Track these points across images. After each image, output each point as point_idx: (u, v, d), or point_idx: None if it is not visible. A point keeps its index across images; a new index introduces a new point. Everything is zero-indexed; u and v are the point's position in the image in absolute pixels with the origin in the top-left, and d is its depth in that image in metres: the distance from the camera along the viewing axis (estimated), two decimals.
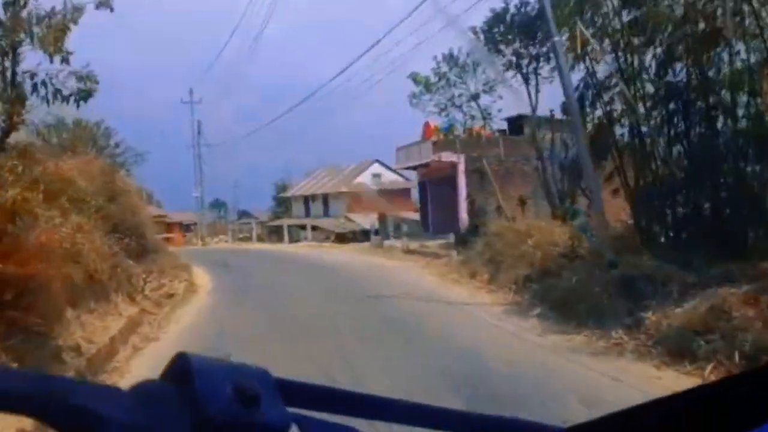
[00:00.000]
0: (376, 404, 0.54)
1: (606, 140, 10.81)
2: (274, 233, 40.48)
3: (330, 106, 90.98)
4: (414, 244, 22.20)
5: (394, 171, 39.04)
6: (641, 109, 10.14)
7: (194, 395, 0.44)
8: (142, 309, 9.86)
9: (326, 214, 41.15)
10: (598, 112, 11.24)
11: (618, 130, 11.04)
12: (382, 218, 29.91)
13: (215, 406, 0.44)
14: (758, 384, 0.44)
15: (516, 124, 24.47)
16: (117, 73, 60.99)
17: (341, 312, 10.02)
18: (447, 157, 24.17)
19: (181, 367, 0.47)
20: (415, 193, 34.93)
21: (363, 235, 30.65)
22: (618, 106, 10.82)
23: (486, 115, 24.15)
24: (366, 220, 32.32)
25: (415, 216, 31.17)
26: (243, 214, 53.95)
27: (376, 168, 42.82)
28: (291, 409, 0.49)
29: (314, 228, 36.64)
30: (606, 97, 10.89)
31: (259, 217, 48.27)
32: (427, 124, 26.39)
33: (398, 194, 38.83)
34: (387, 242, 25.35)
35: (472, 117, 24.36)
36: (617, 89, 10.52)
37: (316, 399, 0.52)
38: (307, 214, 43.73)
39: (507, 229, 14.44)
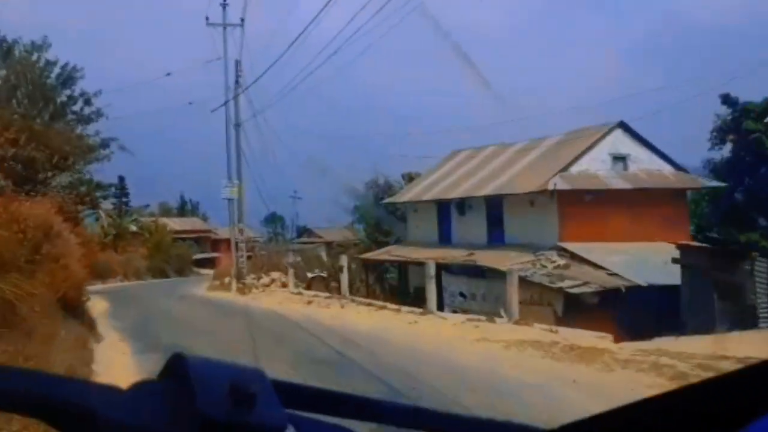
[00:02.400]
0: (372, 406, 0.55)
1: None
2: (376, 277, 24.18)
3: None
4: None
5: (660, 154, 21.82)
6: None
7: (191, 395, 0.45)
8: None
9: (496, 238, 21.70)
10: None
11: None
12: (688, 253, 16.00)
13: (212, 406, 0.45)
14: (746, 383, 0.44)
15: None
16: None
17: None
18: None
19: (178, 367, 0.48)
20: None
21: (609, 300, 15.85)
22: None
23: None
24: (617, 259, 17.60)
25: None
26: (304, 231, 33.12)
27: (617, 140, 21.60)
28: (288, 410, 0.50)
29: (478, 272, 19.49)
30: None
31: (324, 237, 33.57)
32: None
33: (667, 200, 20.85)
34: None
35: None
36: None
37: (313, 400, 0.53)
38: (445, 236, 23.24)
39: None
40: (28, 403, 0.44)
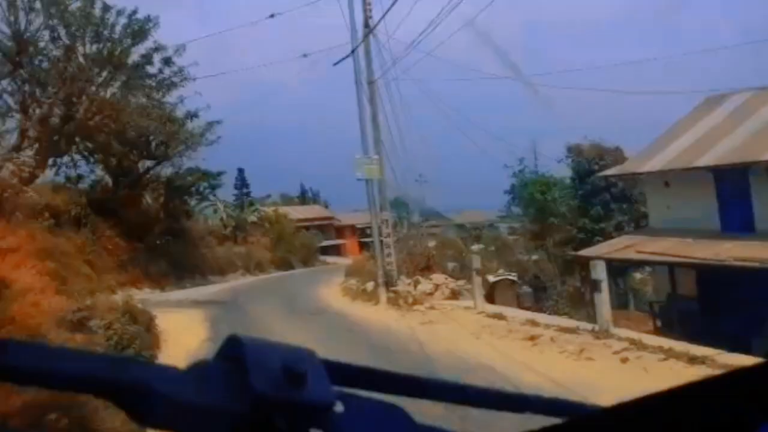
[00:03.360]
0: (419, 383, 0.57)
1: None
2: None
3: None
4: None
5: None
6: None
7: (245, 373, 0.48)
8: None
9: None
10: None
11: None
12: None
13: (265, 384, 0.47)
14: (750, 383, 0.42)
15: None
16: None
17: None
18: None
19: (233, 348, 0.50)
20: None
21: None
22: None
23: None
24: None
25: None
26: (431, 215, 30.82)
27: None
28: (336, 388, 0.52)
29: None
30: None
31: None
32: None
33: None
34: None
35: None
36: None
37: (361, 378, 0.55)
38: (735, 221, 14.84)
39: None
40: (94, 384, 0.46)
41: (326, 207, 55.30)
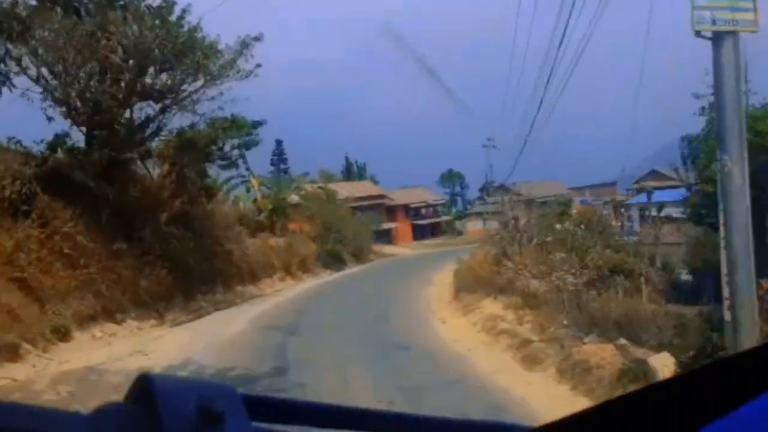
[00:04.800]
0: (346, 415, 0.54)
1: None
2: None
3: None
4: None
5: None
6: None
7: (157, 417, 0.44)
8: None
9: None
10: None
11: None
12: None
13: (178, 427, 0.44)
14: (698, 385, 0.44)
15: None
16: None
17: None
18: None
19: (143, 389, 0.46)
20: None
21: None
22: None
23: None
24: None
25: None
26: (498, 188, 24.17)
27: None
28: (257, 424, 0.49)
29: None
30: None
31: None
32: None
33: None
34: None
35: None
36: None
37: (283, 412, 0.52)
38: None
39: None
40: None
41: (375, 184, 47.84)
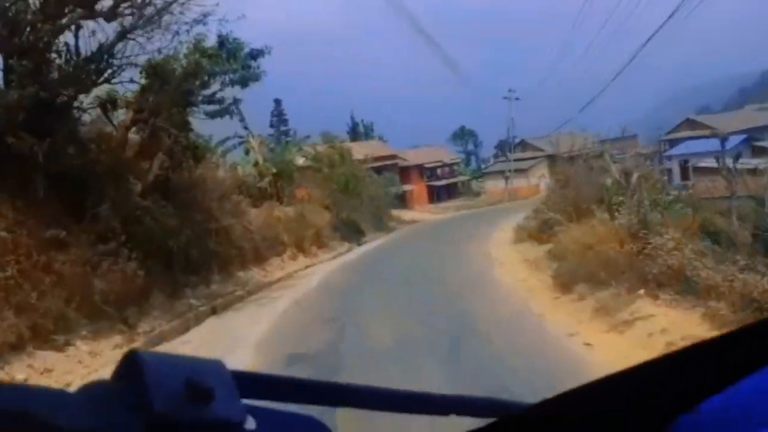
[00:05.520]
0: (335, 391, 0.55)
1: None
2: None
3: None
4: None
5: None
6: None
7: (144, 394, 0.43)
8: None
9: None
10: None
11: None
12: None
13: (166, 404, 0.43)
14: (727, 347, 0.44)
15: None
16: None
17: None
18: None
19: (130, 366, 0.46)
20: None
21: None
22: None
23: None
24: None
25: None
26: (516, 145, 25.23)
27: None
28: (247, 401, 0.49)
29: None
30: None
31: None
32: None
33: None
34: None
35: None
36: None
37: (272, 389, 0.52)
38: None
39: None
40: None
41: (384, 142, 43.53)
